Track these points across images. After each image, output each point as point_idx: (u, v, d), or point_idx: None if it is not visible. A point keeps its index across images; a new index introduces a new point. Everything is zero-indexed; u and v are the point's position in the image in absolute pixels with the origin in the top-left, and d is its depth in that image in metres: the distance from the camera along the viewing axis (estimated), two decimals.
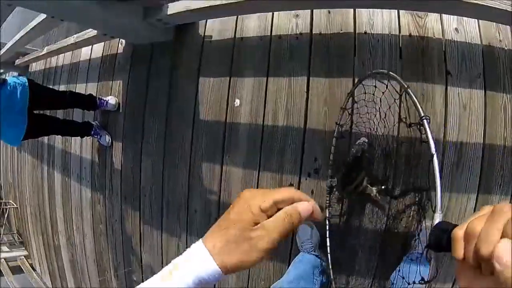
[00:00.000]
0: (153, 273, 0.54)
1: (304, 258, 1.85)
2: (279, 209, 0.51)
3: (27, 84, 2.51)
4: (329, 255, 1.82)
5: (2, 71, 5.09)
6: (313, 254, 1.85)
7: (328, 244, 1.87)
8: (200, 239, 0.52)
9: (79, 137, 3.47)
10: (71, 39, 3.45)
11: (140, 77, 2.94)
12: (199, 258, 0.50)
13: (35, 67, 4.91)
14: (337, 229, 1.90)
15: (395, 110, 1.71)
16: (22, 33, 3.39)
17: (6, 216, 5.56)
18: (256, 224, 0.49)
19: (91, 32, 3.03)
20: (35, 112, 2.73)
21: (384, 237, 1.80)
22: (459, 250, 0.41)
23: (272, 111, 2.10)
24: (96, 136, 3.34)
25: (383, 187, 1.77)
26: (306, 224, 1.95)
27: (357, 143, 1.81)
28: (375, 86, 1.63)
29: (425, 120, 1.17)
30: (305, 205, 0.51)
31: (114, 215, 3.37)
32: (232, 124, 2.28)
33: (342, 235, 1.88)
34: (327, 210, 1.92)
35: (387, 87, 1.55)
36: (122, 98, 3.15)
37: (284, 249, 2.09)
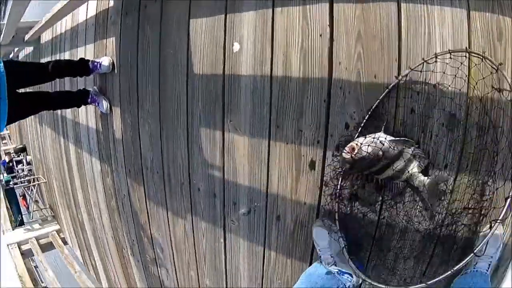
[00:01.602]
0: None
1: (316, 271, 1.25)
2: None
3: (1, 65, 2.07)
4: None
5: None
6: (332, 269, 1.24)
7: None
8: None
9: (76, 108, 2.97)
10: (61, 2, 2.90)
11: (131, 30, 2.31)
12: None
13: (45, 38, 4.40)
14: (376, 231, 1.25)
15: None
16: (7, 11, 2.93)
17: (35, 190, 5.33)
18: None
19: None
20: (19, 91, 2.29)
21: (436, 241, 1.14)
22: None
23: (283, 55, 1.41)
24: (94, 104, 2.82)
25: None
26: (324, 226, 1.32)
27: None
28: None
29: None
30: None
31: (122, 190, 2.90)
32: (232, 77, 1.62)
33: (382, 238, 1.24)
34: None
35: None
36: (116, 57, 2.57)
37: (304, 248, 1.49)
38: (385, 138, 1.10)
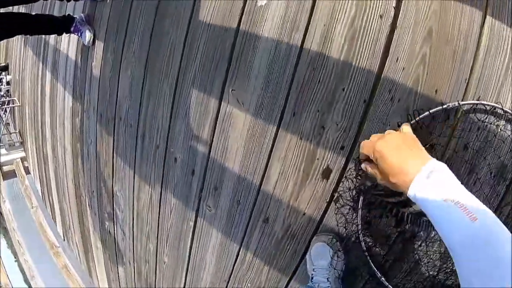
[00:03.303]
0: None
1: None
2: None
3: None
4: None
5: None
6: None
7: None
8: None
9: (55, 35, 2.46)
10: None
11: None
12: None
13: None
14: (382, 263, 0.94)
15: None
16: None
17: (8, 113, 4.75)
18: None
19: None
20: None
21: None
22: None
23: (324, 26, 1.02)
24: (77, 33, 2.33)
25: None
26: (330, 244, 0.99)
27: None
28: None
29: None
30: None
31: (90, 135, 2.47)
32: (247, 35, 1.21)
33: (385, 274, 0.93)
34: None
35: None
36: None
37: (289, 261, 1.16)
38: None
